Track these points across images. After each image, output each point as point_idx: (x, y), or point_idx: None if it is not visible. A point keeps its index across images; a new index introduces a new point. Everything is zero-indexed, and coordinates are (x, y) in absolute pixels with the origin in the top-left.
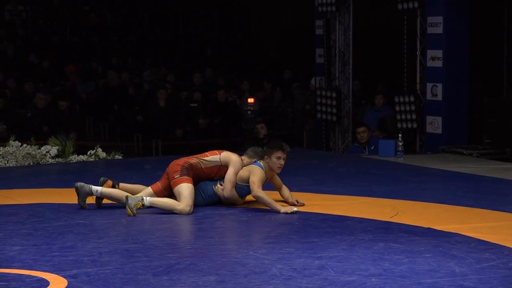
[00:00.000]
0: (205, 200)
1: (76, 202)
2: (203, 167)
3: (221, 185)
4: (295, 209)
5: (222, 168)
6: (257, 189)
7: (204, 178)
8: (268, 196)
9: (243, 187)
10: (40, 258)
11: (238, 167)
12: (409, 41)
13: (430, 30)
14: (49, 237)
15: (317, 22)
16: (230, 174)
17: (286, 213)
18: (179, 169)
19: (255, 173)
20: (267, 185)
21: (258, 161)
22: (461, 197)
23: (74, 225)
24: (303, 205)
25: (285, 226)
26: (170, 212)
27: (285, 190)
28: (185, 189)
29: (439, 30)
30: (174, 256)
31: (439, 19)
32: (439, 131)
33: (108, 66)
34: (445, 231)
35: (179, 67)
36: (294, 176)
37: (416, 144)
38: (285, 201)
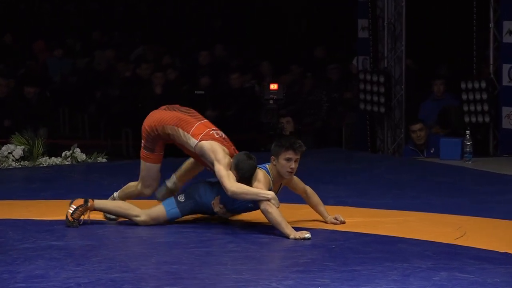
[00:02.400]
0: (199, 206)
1: (49, 218)
2: (174, 139)
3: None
4: (307, 235)
5: (197, 157)
6: (235, 185)
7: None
8: (278, 213)
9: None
10: None
11: (225, 162)
12: (480, 9)
13: None
14: (12, 263)
15: None
16: (219, 169)
17: (295, 238)
18: (145, 136)
19: (258, 178)
20: (287, 195)
21: (264, 164)
22: None
23: (45, 248)
24: (343, 222)
25: (318, 250)
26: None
27: (314, 197)
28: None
29: None
30: None
31: None
32: None
33: (88, 42)
34: None
35: (180, 43)
36: (330, 184)
37: (489, 144)
38: (320, 216)
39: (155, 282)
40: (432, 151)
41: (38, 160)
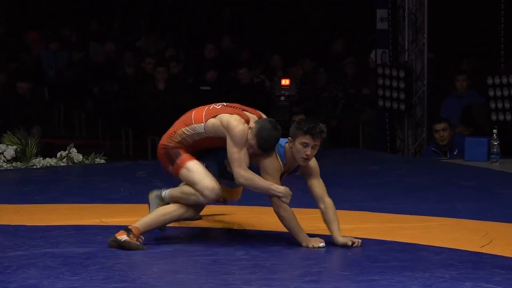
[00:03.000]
0: (218, 165)
1: (43, 223)
2: (189, 141)
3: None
4: (321, 244)
5: (215, 141)
6: (242, 171)
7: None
8: (292, 217)
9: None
10: None
11: (239, 140)
12: None
13: None
14: (3, 272)
15: None
16: (231, 152)
17: (308, 247)
18: (163, 153)
19: (266, 169)
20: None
21: (286, 139)
22: None
23: (39, 256)
24: (358, 245)
25: (333, 258)
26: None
27: (330, 211)
28: (193, 167)
29: None
30: None
31: None
32: None
33: (87, 33)
34: None
35: (185, 35)
36: (346, 188)
37: None
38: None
39: None
40: (455, 153)
41: (31, 161)
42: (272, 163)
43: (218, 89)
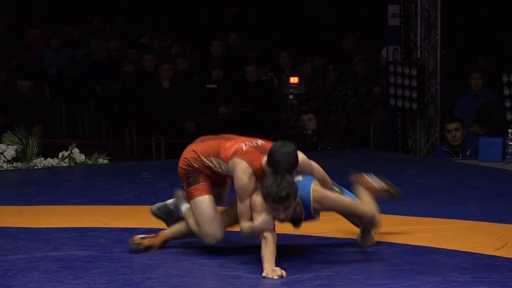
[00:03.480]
0: None
1: (45, 225)
2: (213, 171)
3: None
4: (280, 272)
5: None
6: (242, 223)
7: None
8: (269, 248)
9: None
10: None
11: (242, 193)
12: None
13: None
14: (3, 276)
15: None
16: (238, 206)
17: (265, 277)
18: (184, 173)
19: (255, 208)
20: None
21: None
22: None
23: (40, 259)
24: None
25: (343, 262)
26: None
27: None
28: (200, 206)
29: None
30: None
31: None
32: None
33: (89, 30)
34: None
35: (190, 31)
36: None
37: None
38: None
39: None
40: (468, 153)
41: (32, 161)
42: (259, 203)
43: (225, 87)
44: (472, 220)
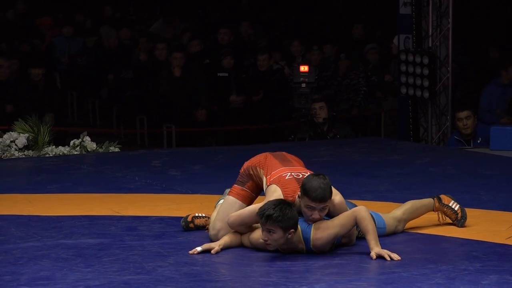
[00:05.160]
0: None
1: (56, 213)
2: (257, 184)
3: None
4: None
5: None
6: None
7: None
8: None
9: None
10: None
11: (244, 216)
12: None
13: None
14: (15, 263)
15: None
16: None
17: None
18: (242, 171)
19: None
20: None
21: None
22: None
23: (52, 247)
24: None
25: (354, 250)
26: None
27: (363, 223)
28: (227, 205)
29: None
30: None
31: None
32: None
33: (100, 18)
34: None
35: (202, 19)
36: (369, 177)
37: None
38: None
39: (173, 285)
40: (479, 141)
41: (43, 150)
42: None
43: (236, 76)
44: (483, 208)
